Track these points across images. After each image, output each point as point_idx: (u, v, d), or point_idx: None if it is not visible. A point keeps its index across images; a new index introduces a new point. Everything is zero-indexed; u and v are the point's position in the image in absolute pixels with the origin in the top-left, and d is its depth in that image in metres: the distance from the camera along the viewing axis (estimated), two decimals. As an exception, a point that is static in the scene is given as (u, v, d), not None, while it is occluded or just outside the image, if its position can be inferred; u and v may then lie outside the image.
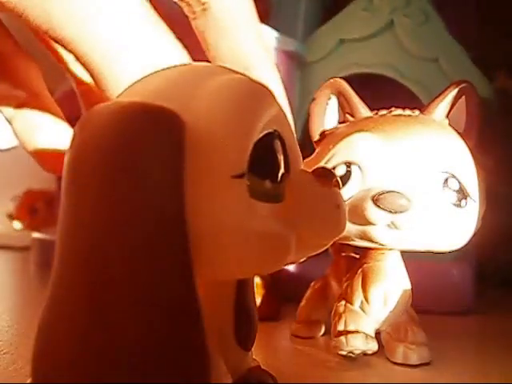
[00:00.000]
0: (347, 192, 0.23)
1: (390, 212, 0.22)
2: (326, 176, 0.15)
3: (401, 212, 0.22)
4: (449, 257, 0.28)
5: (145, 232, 0.10)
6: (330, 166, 0.24)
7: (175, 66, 0.14)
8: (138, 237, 0.10)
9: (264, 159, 0.13)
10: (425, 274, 0.33)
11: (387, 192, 0.22)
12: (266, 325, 0.32)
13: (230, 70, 0.14)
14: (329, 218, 0.15)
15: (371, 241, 0.23)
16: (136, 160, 0.11)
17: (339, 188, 0.15)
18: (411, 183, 0.22)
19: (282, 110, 0.14)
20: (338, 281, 0.27)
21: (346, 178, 0.23)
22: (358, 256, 0.27)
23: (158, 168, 0.11)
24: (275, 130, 0.13)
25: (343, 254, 0.28)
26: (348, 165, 0.23)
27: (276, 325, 0.32)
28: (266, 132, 0.13)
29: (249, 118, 0.12)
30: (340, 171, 0.23)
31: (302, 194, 0.14)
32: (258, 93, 0.13)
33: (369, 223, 0.22)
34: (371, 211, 0.22)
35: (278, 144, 0.13)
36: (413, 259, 0.25)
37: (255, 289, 0.32)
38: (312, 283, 0.30)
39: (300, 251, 0.14)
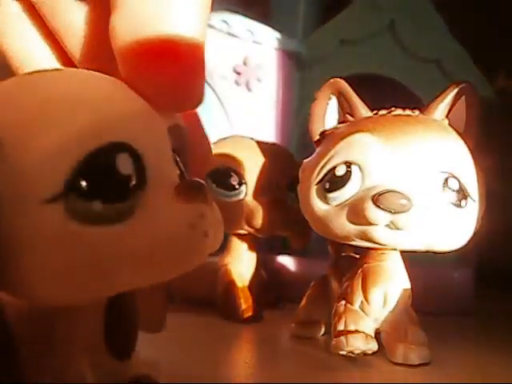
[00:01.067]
0: (347, 192, 0.23)
1: (390, 212, 0.22)
2: (187, 190, 0.12)
3: (401, 212, 0.22)
4: (449, 258, 0.28)
5: None
6: (329, 166, 0.24)
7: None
8: None
9: (97, 176, 0.11)
10: (425, 276, 0.33)
11: (387, 192, 0.22)
12: (266, 325, 0.32)
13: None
14: (177, 239, 0.12)
15: (371, 241, 0.23)
16: None
17: (206, 204, 0.13)
18: (411, 183, 0.22)
19: (147, 117, 0.13)
20: (338, 281, 0.27)
21: (346, 178, 0.23)
22: (358, 256, 0.27)
23: None
24: (122, 143, 0.11)
25: (343, 254, 0.28)
26: (348, 165, 0.23)
27: (276, 325, 0.32)
28: (99, 146, 0.11)
29: (65, 131, 0.11)
30: (340, 171, 0.23)
31: (150, 212, 0.12)
32: (96, 101, 0.12)
33: (369, 223, 0.22)
34: (371, 211, 0.22)
35: (124, 158, 0.11)
36: (413, 261, 0.25)
37: (241, 292, 0.32)
38: (312, 283, 0.30)
39: (138, 278, 0.12)
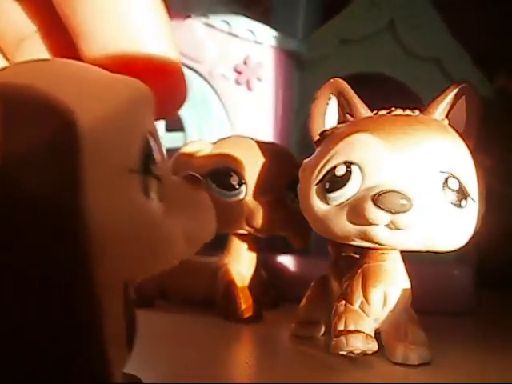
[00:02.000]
0: (347, 192, 0.23)
1: (390, 212, 0.22)
2: (195, 181, 0.15)
3: (401, 212, 0.22)
4: (449, 258, 0.28)
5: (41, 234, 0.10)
6: (329, 165, 0.24)
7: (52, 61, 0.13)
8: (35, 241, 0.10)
9: (149, 158, 0.13)
10: (425, 275, 0.33)
11: (387, 192, 0.22)
12: (266, 325, 0.32)
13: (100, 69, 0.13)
14: (207, 217, 0.15)
15: (371, 241, 0.23)
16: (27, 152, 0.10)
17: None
18: (411, 183, 0.22)
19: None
20: (338, 281, 0.27)
21: (346, 178, 0.23)
22: (357, 256, 0.27)
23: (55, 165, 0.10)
24: (151, 131, 0.13)
25: (343, 254, 0.28)
26: (348, 165, 0.23)
27: (276, 325, 0.32)
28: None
29: (138, 118, 0.12)
30: (340, 171, 0.23)
31: (181, 195, 0.14)
32: (144, 93, 0.13)
33: (369, 223, 0.22)
34: (371, 211, 0.22)
35: (154, 145, 0.13)
36: (413, 260, 0.25)
37: (241, 292, 0.32)
38: (312, 283, 0.30)
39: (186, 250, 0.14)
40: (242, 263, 0.34)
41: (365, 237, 0.23)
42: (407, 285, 0.25)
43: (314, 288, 0.30)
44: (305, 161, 0.26)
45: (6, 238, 0.10)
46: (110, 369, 0.11)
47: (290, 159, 0.35)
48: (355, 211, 0.23)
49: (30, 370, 0.10)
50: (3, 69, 0.13)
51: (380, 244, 0.23)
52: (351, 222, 0.23)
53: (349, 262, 0.27)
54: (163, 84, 0.14)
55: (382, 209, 0.22)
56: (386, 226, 0.22)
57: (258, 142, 0.34)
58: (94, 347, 0.11)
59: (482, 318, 0.34)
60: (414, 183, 0.22)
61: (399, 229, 0.22)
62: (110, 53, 0.14)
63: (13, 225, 0.10)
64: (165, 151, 0.14)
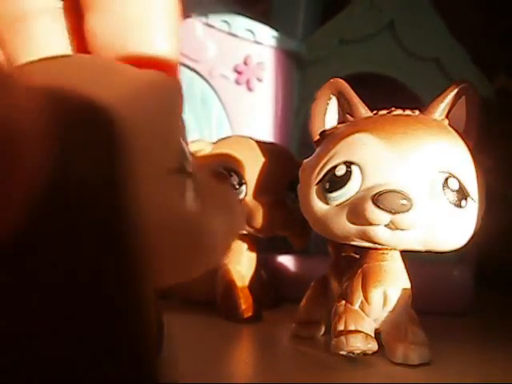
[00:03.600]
0: (347, 192, 0.23)
1: (390, 212, 0.22)
2: (222, 177, 0.15)
3: (401, 212, 0.22)
4: (449, 258, 0.28)
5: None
6: (330, 165, 0.24)
7: (74, 56, 0.13)
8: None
9: (184, 156, 0.13)
10: (425, 275, 0.33)
11: (387, 192, 0.22)
12: (266, 325, 0.32)
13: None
14: (237, 213, 0.15)
15: (371, 241, 0.23)
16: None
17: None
18: (411, 183, 0.22)
19: None
20: (338, 281, 0.27)
21: (346, 177, 0.23)
22: (357, 256, 0.27)
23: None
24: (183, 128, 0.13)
25: (343, 254, 0.28)
26: (348, 165, 0.23)
27: (276, 325, 0.32)
28: None
29: (176, 116, 0.13)
30: (340, 171, 0.23)
31: (211, 192, 0.14)
32: (178, 89, 0.13)
33: (369, 223, 0.22)
34: (371, 211, 0.22)
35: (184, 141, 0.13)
36: (413, 260, 0.25)
37: (241, 292, 0.32)
38: (312, 283, 0.30)
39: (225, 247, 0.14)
40: (242, 263, 0.34)
41: (365, 237, 0.23)
42: (407, 285, 0.25)
43: (314, 288, 0.30)
44: (305, 161, 0.26)
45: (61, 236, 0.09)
46: (159, 372, 0.11)
47: (290, 159, 0.35)
48: (355, 211, 0.23)
49: (80, 374, 0.09)
50: (31, 63, 0.12)
51: (380, 244, 0.23)
52: (351, 222, 0.23)
53: (349, 262, 0.27)
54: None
55: (381, 209, 0.22)
56: (386, 226, 0.22)
57: (258, 142, 0.34)
58: (144, 349, 0.10)
59: (482, 318, 0.34)
60: (414, 183, 0.22)
61: (399, 229, 0.22)
62: (116, 46, 0.14)
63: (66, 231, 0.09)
64: None
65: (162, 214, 0.11)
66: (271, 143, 0.36)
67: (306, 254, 0.38)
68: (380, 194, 0.22)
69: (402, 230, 0.22)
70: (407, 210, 0.22)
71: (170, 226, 0.11)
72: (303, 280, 0.31)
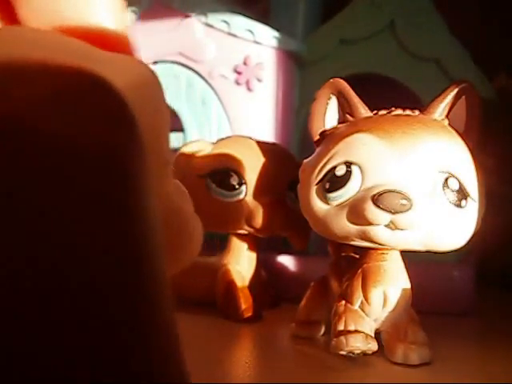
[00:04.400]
0: (347, 192, 0.23)
1: (390, 212, 0.22)
2: None
3: (401, 212, 0.22)
4: (450, 258, 0.28)
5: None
6: (330, 166, 0.24)
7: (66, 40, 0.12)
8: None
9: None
10: (426, 276, 0.33)
11: (387, 192, 0.22)
12: (266, 325, 0.32)
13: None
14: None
15: (371, 241, 0.23)
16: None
17: None
18: (411, 183, 0.22)
19: None
20: (338, 281, 0.27)
21: (346, 177, 0.23)
22: (357, 256, 0.27)
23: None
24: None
25: (343, 254, 0.28)
26: (348, 165, 0.23)
27: (276, 325, 0.32)
28: None
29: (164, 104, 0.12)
30: (340, 171, 0.23)
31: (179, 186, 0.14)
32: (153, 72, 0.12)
33: (369, 223, 0.22)
34: (371, 211, 0.22)
35: None
36: (414, 260, 0.25)
37: (241, 292, 0.32)
38: (312, 283, 0.30)
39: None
40: (241, 263, 0.34)
41: (365, 237, 0.23)
42: (407, 285, 0.25)
43: (314, 288, 0.30)
44: (305, 161, 0.26)
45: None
46: (185, 368, 0.11)
47: (290, 159, 0.35)
48: (355, 211, 0.23)
49: (108, 370, 0.09)
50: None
51: (380, 244, 0.23)
52: (351, 222, 0.23)
53: (349, 262, 0.27)
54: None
55: (381, 209, 0.22)
56: (386, 226, 0.22)
57: (258, 142, 0.34)
58: (170, 345, 0.10)
59: (482, 318, 0.34)
60: (413, 183, 0.22)
61: (399, 229, 0.22)
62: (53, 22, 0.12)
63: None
64: None
65: (161, 203, 0.11)
66: (271, 143, 0.36)
67: (305, 254, 0.38)
68: (380, 193, 0.22)
69: (401, 229, 0.22)
70: (407, 210, 0.22)
71: (166, 215, 0.11)
72: (303, 280, 0.31)
